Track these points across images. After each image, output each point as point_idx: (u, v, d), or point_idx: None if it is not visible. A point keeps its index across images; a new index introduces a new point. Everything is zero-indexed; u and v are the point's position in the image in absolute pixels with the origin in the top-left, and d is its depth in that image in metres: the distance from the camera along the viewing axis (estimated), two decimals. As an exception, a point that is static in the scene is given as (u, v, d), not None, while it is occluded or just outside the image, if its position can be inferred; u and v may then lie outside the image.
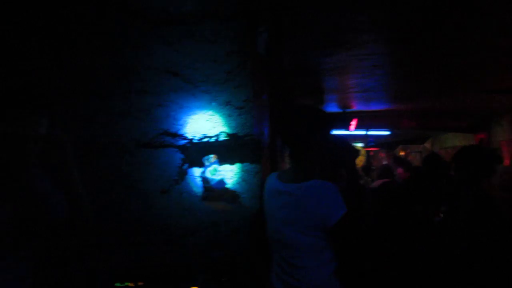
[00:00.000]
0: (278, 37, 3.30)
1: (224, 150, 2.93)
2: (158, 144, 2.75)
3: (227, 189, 2.94)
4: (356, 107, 8.13)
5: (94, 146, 2.71)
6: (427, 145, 14.18)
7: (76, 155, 1.58)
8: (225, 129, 2.79)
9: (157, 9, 2.70)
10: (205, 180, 2.97)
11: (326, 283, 1.83)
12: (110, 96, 2.70)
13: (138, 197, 2.74)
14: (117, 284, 2.16)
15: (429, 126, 10.09)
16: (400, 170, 6.07)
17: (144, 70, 2.70)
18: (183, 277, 2.33)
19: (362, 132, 10.33)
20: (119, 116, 2.71)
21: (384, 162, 11.02)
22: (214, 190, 2.96)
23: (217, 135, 2.80)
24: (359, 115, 8.80)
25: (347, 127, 8.91)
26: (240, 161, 2.95)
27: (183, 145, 2.79)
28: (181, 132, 2.76)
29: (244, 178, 2.94)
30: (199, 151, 2.91)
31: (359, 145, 13.74)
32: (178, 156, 2.80)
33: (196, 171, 2.96)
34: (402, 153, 14.96)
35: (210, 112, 2.76)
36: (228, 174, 2.97)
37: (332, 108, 8.05)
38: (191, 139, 2.78)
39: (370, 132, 10.57)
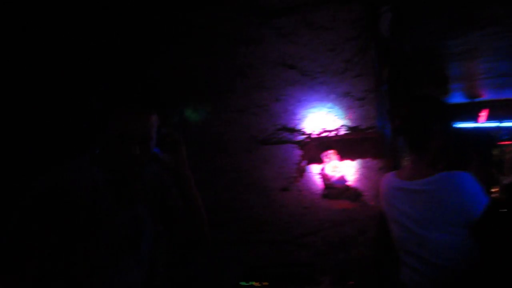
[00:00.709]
0: (400, 17, 3.02)
1: (343, 145, 2.77)
2: (276, 140, 2.69)
3: (348, 186, 2.76)
4: (486, 95, 7.23)
5: (215, 144, 2.76)
6: None
7: (196, 153, 1.58)
8: (345, 122, 2.62)
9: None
10: (324, 177, 2.82)
11: (468, 282, 1.61)
12: (228, 94, 2.72)
13: (258, 195, 2.71)
14: (242, 283, 2.13)
15: None
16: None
17: (260, 65, 2.67)
18: (307, 278, 2.23)
19: (494, 124, 9.18)
20: (238, 113, 2.72)
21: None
22: (335, 187, 2.80)
23: (336, 129, 2.64)
24: (491, 105, 7.83)
25: (475, 119, 7.99)
26: (361, 156, 2.76)
27: (302, 141, 2.69)
28: (299, 127, 2.66)
29: (366, 175, 2.74)
30: (317, 146, 2.78)
31: (489, 139, 12.28)
32: (297, 153, 2.71)
33: (315, 168, 2.84)
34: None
35: (329, 105, 2.62)
36: (349, 170, 2.80)
37: (458, 98, 7.29)
38: (310, 134, 2.67)
39: (504, 124, 9.34)
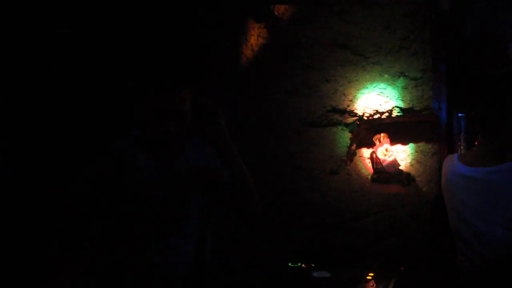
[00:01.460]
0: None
1: (396, 128, 2.68)
2: (325, 122, 2.64)
3: (400, 171, 2.67)
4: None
5: (261, 127, 2.75)
6: None
7: (242, 136, 1.57)
8: (398, 103, 2.53)
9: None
10: (375, 161, 2.74)
11: None
12: (276, 74, 2.69)
13: (306, 178, 2.68)
14: (290, 264, 2.13)
15: None
16: None
17: (310, 45, 2.62)
18: (357, 262, 2.19)
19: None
20: (286, 95, 2.69)
21: None
22: (385, 172, 2.72)
23: (389, 111, 2.55)
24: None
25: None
26: (414, 140, 2.66)
27: (352, 123, 2.63)
28: (350, 108, 2.60)
29: (418, 159, 2.64)
30: (368, 129, 2.71)
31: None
32: (347, 135, 2.65)
33: (366, 151, 2.77)
34: None
35: (382, 86, 2.53)
36: (401, 155, 2.70)
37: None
38: (361, 116, 2.59)
39: None
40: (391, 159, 2.69)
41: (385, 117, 2.58)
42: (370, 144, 2.75)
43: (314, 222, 2.61)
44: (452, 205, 1.83)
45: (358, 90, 2.57)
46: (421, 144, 2.63)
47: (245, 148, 1.65)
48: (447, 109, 3.21)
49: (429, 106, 2.50)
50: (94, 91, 2.60)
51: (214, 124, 1.44)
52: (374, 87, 2.54)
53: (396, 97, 2.52)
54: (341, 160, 2.65)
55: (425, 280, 2.23)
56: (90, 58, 2.58)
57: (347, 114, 2.61)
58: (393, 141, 2.69)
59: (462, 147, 2.76)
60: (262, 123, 2.74)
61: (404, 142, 2.68)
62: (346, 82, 2.58)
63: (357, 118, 2.61)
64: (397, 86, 2.51)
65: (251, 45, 2.76)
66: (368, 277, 1.93)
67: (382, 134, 2.71)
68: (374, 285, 1.85)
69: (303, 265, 2.12)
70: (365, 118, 2.61)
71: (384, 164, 2.69)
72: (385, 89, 2.53)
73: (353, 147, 2.74)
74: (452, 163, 1.88)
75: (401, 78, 2.50)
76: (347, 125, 2.64)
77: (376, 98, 2.55)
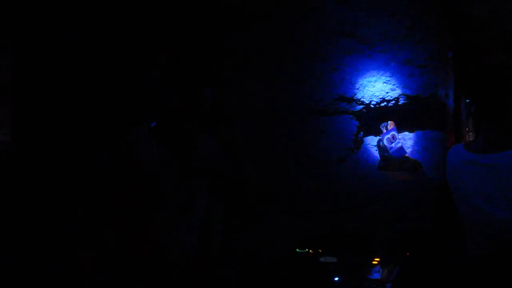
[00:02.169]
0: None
1: (402, 116, 2.69)
2: (332, 111, 2.67)
3: (406, 158, 2.69)
4: None
5: (269, 115, 2.78)
6: None
7: (251, 124, 1.61)
8: (405, 91, 2.54)
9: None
10: (382, 148, 2.77)
11: None
12: (283, 64, 2.71)
13: (314, 166, 2.72)
14: (298, 250, 2.18)
15: None
16: None
17: (316, 34, 2.63)
18: (363, 247, 2.23)
19: None
20: (293, 83, 2.71)
21: None
22: (392, 159, 2.74)
23: (396, 99, 2.57)
24: None
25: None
26: (421, 127, 2.67)
27: (359, 111, 2.65)
28: (357, 97, 2.62)
29: (425, 146, 2.66)
30: (375, 117, 2.73)
31: None
32: (354, 123, 2.68)
33: (373, 139, 2.79)
34: None
35: (388, 74, 2.55)
36: (407, 142, 2.72)
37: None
38: (368, 104, 2.62)
39: None
40: (398, 146, 2.71)
41: (392, 104, 2.60)
42: (377, 132, 2.77)
43: (322, 209, 2.65)
44: (460, 193, 1.79)
45: (365, 78, 2.58)
46: (428, 131, 2.64)
47: (252, 137, 1.69)
48: (454, 96, 3.21)
49: (435, 93, 2.51)
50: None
51: (228, 127, 1.51)
52: (381, 75, 2.56)
53: (403, 85, 2.54)
54: (348, 148, 2.68)
55: (431, 266, 2.27)
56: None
57: (354, 102, 2.63)
58: (400, 129, 2.71)
59: (470, 134, 2.76)
60: (269, 111, 2.77)
61: (411, 130, 2.70)
62: (353, 70, 2.60)
63: (364, 106, 2.63)
64: (404, 74, 2.52)
65: (256, 34, 2.78)
66: (374, 262, 1.97)
67: (389, 122, 2.73)
68: (380, 270, 1.88)
69: (310, 251, 2.17)
70: (372, 106, 2.63)
71: (391, 151, 2.72)
72: (391, 77, 2.54)
73: (360, 135, 2.76)
74: (458, 151, 1.83)
75: (408, 66, 2.51)
76: (354, 113, 2.66)
77: (382, 86, 2.56)
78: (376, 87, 2.56)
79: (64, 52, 2.73)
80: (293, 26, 2.69)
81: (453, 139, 2.98)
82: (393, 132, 2.73)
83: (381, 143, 2.76)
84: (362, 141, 2.74)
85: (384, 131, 2.75)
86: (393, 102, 2.58)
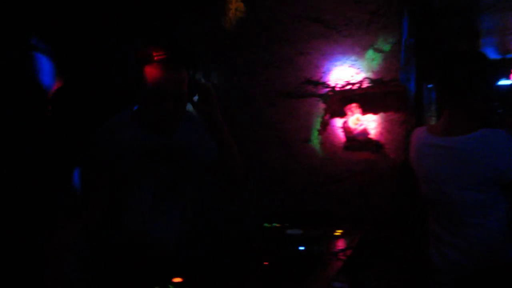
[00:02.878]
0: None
1: (366, 99, 2.82)
2: (300, 93, 2.77)
3: (369, 139, 2.84)
4: (520, 51, 6.93)
5: (240, 99, 2.85)
6: None
7: (222, 107, 1.67)
8: (369, 75, 2.66)
9: None
10: (346, 130, 2.90)
11: (498, 240, 1.64)
12: (252, 48, 2.78)
13: (282, 147, 2.82)
14: (266, 224, 2.29)
15: None
16: None
17: (285, 19, 2.70)
18: (327, 221, 2.36)
19: (527, 82, 8.84)
20: (262, 67, 2.79)
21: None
22: (356, 140, 2.88)
23: (360, 82, 2.69)
24: (524, 61, 7.52)
25: (507, 76, 7.73)
26: (384, 110, 2.80)
27: (325, 94, 2.76)
28: (323, 80, 2.72)
29: (388, 128, 2.80)
30: (341, 100, 2.84)
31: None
32: (320, 106, 2.79)
33: (338, 121, 2.91)
34: None
35: (353, 58, 2.65)
36: (371, 124, 2.86)
37: (490, 54, 7.04)
38: (333, 87, 2.73)
39: (538, 81, 8.96)
40: (361, 128, 2.85)
41: (356, 88, 2.71)
42: (342, 114, 2.89)
43: (289, 187, 2.76)
44: (423, 174, 1.84)
45: (331, 62, 2.68)
46: (390, 113, 2.78)
47: (224, 119, 1.76)
48: (416, 80, 3.36)
49: (397, 77, 2.63)
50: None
51: (207, 102, 1.56)
52: (346, 59, 2.66)
53: (367, 69, 2.65)
54: (315, 129, 2.79)
55: (389, 238, 2.43)
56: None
57: (320, 85, 2.73)
58: (364, 111, 2.84)
59: (433, 118, 2.90)
60: (239, 94, 2.84)
61: (375, 112, 2.83)
62: (320, 54, 2.69)
63: (330, 89, 2.73)
64: (368, 59, 2.63)
65: (230, 19, 2.84)
66: (336, 234, 2.10)
67: (353, 105, 2.86)
68: (341, 240, 2.01)
69: (278, 225, 2.28)
70: (338, 89, 2.73)
71: (355, 132, 2.86)
72: (356, 61, 2.65)
73: (326, 117, 2.87)
74: (421, 134, 1.87)
75: (371, 51, 2.62)
76: (320, 96, 2.76)
77: (347, 70, 2.67)
78: (342, 70, 2.67)
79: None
80: (263, 11, 2.75)
81: (414, 121, 3.14)
82: (358, 115, 2.87)
83: (346, 125, 2.90)
84: (328, 123, 2.85)
85: (349, 113, 2.88)
86: (357, 85, 2.70)
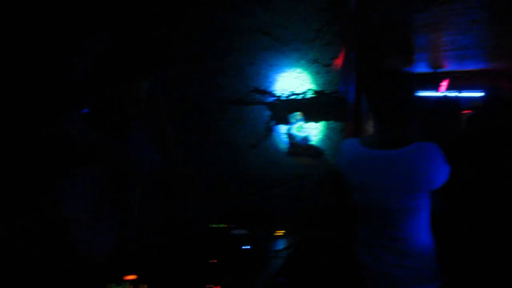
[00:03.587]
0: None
1: (310, 108, 3.01)
2: (248, 101, 2.91)
3: (311, 145, 3.04)
4: (448, 66, 7.55)
5: (190, 104, 2.93)
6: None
7: (173, 111, 1.75)
8: (312, 86, 2.86)
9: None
10: (290, 136, 3.09)
11: (425, 239, 1.83)
12: (204, 56, 2.88)
13: (229, 152, 2.95)
14: (213, 225, 2.39)
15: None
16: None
17: (237, 31, 2.83)
18: (270, 222, 2.51)
19: (453, 94, 9.60)
20: (213, 74, 2.89)
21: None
22: (299, 146, 3.07)
23: (304, 93, 2.88)
24: (451, 75, 8.18)
25: (436, 88, 8.36)
26: (325, 118, 3.01)
27: (271, 102, 2.92)
28: (270, 89, 2.88)
29: (328, 135, 3.01)
30: (286, 108, 3.01)
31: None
32: (267, 113, 2.95)
33: (283, 128, 3.09)
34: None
35: (299, 70, 2.84)
36: (313, 131, 3.06)
37: (422, 68, 7.58)
38: (279, 97, 2.90)
39: (463, 94, 9.77)
40: (304, 135, 3.06)
41: (300, 97, 2.91)
42: (287, 122, 3.07)
43: (235, 190, 2.90)
44: (356, 184, 1.89)
45: (278, 73, 2.85)
46: (331, 122, 2.99)
47: (174, 123, 1.84)
48: (355, 92, 3.63)
49: (338, 89, 2.85)
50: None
51: (156, 110, 1.63)
52: (292, 71, 2.84)
53: (311, 81, 2.85)
54: (261, 135, 2.95)
55: (326, 238, 2.63)
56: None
57: (267, 94, 2.89)
58: (307, 119, 3.04)
59: (370, 125, 3.13)
60: (188, 100, 2.92)
61: (316, 120, 3.04)
62: (268, 65, 2.85)
63: (276, 98, 2.91)
64: (312, 71, 2.83)
65: (185, 28, 2.91)
66: (279, 234, 2.26)
67: (297, 113, 3.06)
68: (283, 240, 2.18)
69: (224, 225, 2.39)
70: (283, 98, 2.91)
71: (298, 139, 3.06)
72: (301, 73, 2.84)
73: (272, 123, 3.04)
74: (352, 146, 1.91)
75: (315, 64, 2.82)
76: (267, 104, 2.92)
77: (293, 81, 2.86)
78: (288, 81, 2.85)
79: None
80: (213, 21, 2.85)
81: (351, 130, 3.40)
82: (301, 122, 3.07)
83: (290, 132, 3.09)
84: (273, 129, 3.02)
85: (293, 121, 3.07)
86: (301, 95, 2.89)
